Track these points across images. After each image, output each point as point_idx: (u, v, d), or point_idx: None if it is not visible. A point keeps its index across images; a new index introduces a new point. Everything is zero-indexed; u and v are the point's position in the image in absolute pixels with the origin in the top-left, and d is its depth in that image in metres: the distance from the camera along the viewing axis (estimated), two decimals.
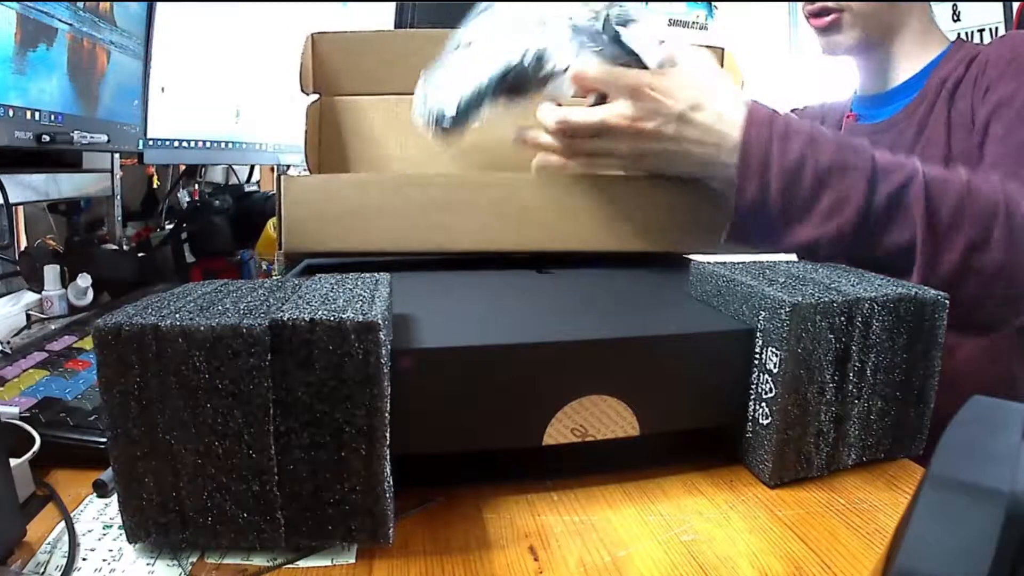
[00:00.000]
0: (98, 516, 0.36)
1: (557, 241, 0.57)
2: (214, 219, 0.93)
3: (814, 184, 0.50)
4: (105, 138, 0.77)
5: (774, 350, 0.38)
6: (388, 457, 0.32)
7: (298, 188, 0.55)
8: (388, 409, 0.32)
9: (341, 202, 0.55)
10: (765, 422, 0.39)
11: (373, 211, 0.55)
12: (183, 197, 1.22)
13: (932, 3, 0.83)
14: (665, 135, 0.53)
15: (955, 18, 2.92)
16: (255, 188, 1.48)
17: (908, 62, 0.80)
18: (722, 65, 0.88)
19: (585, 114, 0.54)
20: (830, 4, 0.79)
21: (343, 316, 0.30)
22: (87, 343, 0.57)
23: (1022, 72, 0.67)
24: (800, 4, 0.82)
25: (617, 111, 0.53)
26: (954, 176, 0.51)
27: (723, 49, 0.89)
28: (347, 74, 0.67)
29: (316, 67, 0.66)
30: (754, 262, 0.49)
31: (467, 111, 0.55)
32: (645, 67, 0.54)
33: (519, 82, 0.55)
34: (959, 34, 2.78)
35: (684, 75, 0.53)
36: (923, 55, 0.80)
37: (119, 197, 1.01)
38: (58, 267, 0.78)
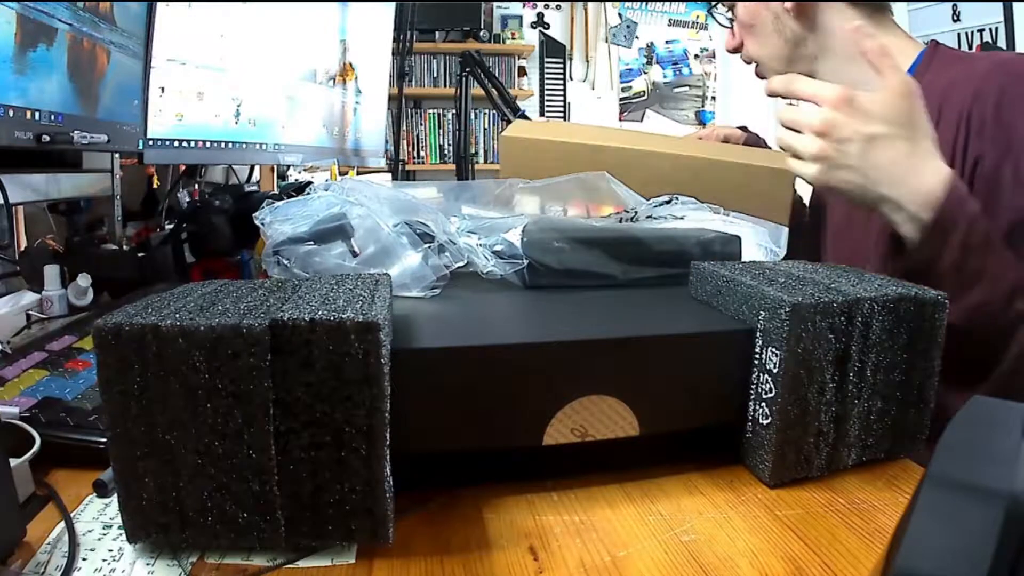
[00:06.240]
0: (98, 516, 0.36)
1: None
2: (214, 219, 0.93)
3: (974, 271, 0.53)
4: (105, 138, 0.77)
5: (774, 350, 0.38)
6: (388, 457, 0.32)
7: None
8: (388, 409, 0.32)
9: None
10: (765, 422, 0.39)
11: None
12: (183, 197, 1.22)
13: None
14: (849, 152, 0.53)
15: (955, 18, 2.92)
16: (255, 188, 1.48)
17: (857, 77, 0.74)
18: None
19: (806, 88, 0.56)
20: (744, 56, 0.80)
21: (343, 316, 0.30)
22: (87, 343, 0.57)
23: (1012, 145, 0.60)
24: None
25: (815, 112, 0.54)
26: None
27: None
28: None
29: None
30: (754, 262, 0.49)
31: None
32: None
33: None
34: (959, 34, 2.78)
35: (886, 103, 0.54)
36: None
37: (119, 197, 1.01)
38: (58, 267, 0.78)
